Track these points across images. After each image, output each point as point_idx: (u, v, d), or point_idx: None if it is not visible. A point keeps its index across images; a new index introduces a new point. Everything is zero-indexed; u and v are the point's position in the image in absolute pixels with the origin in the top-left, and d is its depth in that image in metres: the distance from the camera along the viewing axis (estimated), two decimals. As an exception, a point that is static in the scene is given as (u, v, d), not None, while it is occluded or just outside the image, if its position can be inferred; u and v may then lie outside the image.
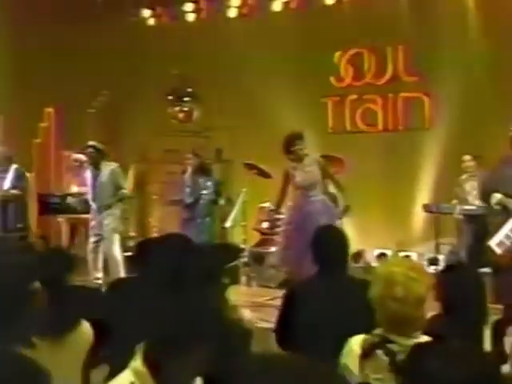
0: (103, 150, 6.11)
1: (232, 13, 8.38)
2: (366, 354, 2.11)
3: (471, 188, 6.38)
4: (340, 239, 3.07)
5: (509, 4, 6.99)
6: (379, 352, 2.08)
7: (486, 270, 4.80)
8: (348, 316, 2.61)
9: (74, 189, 6.75)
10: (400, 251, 6.90)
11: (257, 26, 8.21)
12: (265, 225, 6.71)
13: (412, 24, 7.30)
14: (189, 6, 8.52)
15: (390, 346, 2.07)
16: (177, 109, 8.58)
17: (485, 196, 5.01)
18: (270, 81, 7.94)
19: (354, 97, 7.93)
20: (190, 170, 6.86)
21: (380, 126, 7.87)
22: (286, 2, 8.02)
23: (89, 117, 9.20)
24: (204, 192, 6.52)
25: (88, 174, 6.07)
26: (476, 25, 7.13)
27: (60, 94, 8.38)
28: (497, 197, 4.77)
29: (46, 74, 8.30)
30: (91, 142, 6.21)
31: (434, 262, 6.56)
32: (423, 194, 7.37)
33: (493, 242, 4.73)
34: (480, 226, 5.90)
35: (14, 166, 6.52)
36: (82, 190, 6.48)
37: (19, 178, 6.46)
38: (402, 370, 1.88)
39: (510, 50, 6.80)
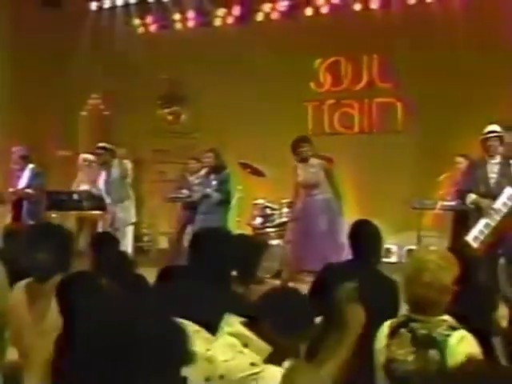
0: (113, 150, 6.59)
1: (217, 22, 8.87)
2: (393, 332, 2.26)
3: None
4: (377, 234, 3.29)
5: (474, 16, 7.59)
6: (403, 330, 2.23)
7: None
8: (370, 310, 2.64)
9: (84, 187, 7.06)
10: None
11: (241, 35, 8.67)
12: (258, 220, 6.93)
13: (386, 35, 7.85)
14: (177, 16, 8.98)
15: (412, 324, 2.23)
16: (166, 111, 9.05)
17: (461, 196, 5.57)
18: (254, 86, 8.42)
19: (333, 101, 8.49)
20: (206, 168, 6.92)
21: (356, 129, 8.44)
22: (268, 13, 8.53)
23: (81, 119, 9.67)
24: (208, 190, 6.65)
25: (101, 173, 6.54)
26: (444, 36, 7.69)
27: (54, 97, 8.81)
28: (471, 197, 5.31)
29: (42, 79, 8.71)
30: (101, 144, 6.70)
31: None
32: (397, 190, 7.93)
33: (469, 237, 5.25)
34: (460, 220, 6.45)
35: (30, 166, 6.89)
36: (91, 188, 6.88)
37: (35, 177, 6.83)
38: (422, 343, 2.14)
39: (475, 60, 7.40)
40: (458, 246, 5.76)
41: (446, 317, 2.23)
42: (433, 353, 2.15)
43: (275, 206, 6.49)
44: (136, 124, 8.92)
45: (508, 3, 7.55)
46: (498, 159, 5.43)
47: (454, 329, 2.19)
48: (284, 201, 6.62)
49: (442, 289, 2.21)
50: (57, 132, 9.23)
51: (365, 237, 3.26)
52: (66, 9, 8.91)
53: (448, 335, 2.17)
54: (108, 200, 6.45)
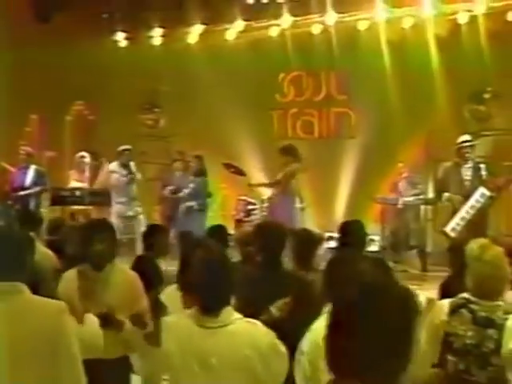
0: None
1: (192, 39, 9.81)
2: (453, 311, 2.48)
3: (407, 185, 7.75)
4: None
5: (416, 38, 8.79)
6: (463, 310, 2.46)
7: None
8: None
9: (77, 184, 7.68)
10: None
11: (214, 50, 9.63)
12: (241, 214, 7.66)
13: (341, 54, 8.99)
14: (156, 32, 9.90)
15: (472, 306, 2.45)
16: (146, 117, 9.98)
17: (437, 194, 6.41)
18: (225, 95, 9.32)
19: (295, 110, 9.58)
20: (192, 170, 7.75)
21: (316, 134, 9.55)
22: (238, 31, 9.53)
23: (66, 123, 10.48)
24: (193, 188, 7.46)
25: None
26: (391, 56, 8.87)
27: (43, 104, 9.61)
28: (446, 195, 6.18)
29: (31, 87, 9.51)
30: (125, 146, 7.51)
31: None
32: (351, 188, 9.07)
33: (448, 228, 5.92)
34: (413, 213, 7.45)
35: (33, 166, 7.53)
36: (84, 185, 7.59)
37: (40, 176, 7.48)
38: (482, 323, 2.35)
39: (416, 76, 8.62)
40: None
41: (501, 302, 2.45)
42: (491, 332, 2.40)
43: (257, 202, 7.38)
44: (118, 128, 9.66)
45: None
46: (470, 164, 6.24)
47: (508, 313, 2.42)
48: (264, 197, 7.52)
49: (502, 273, 2.44)
50: (44, 135, 10.03)
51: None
52: (55, 24, 9.73)
53: (506, 318, 2.40)
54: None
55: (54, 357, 2.08)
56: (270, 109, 9.64)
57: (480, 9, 8.38)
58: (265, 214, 7.19)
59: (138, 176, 7.45)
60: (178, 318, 2.29)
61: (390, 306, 1.24)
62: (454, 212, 5.94)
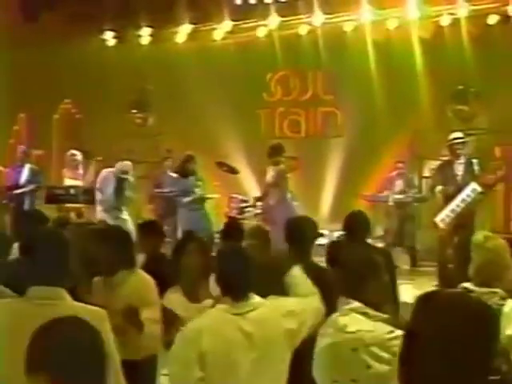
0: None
1: (180, 39, 9.91)
2: None
3: (399, 184, 7.93)
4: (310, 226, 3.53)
5: (401, 40, 9.01)
6: None
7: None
8: None
9: (69, 182, 7.71)
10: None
11: (202, 50, 9.75)
12: (234, 212, 7.74)
13: (328, 54, 9.18)
14: (145, 31, 9.98)
15: (470, 294, 2.43)
16: (135, 115, 10.06)
17: (431, 188, 6.61)
18: (213, 95, 9.44)
19: (282, 110, 9.76)
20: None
21: (303, 133, 9.75)
22: (226, 32, 9.66)
23: (54, 122, 10.52)
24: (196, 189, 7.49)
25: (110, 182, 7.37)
26: (377, 57, 9.08)
27: (31, 102, 9.66)
28: (438, 188, 6.33)
29: (19, 85, 9.55)
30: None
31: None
32: (337, 185, 9.27)
33: (438, 219, 6.11)
34: (405, 211, 7.65)
35: (28, 165, 7.58)
36: (77, 183, 7.61)
37: (35, 175, 7.53)
38: None
39: (400, 77, 8.85)
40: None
41: (498, 289, 2.54)
42: None
43: (249, 200, 7.53)
44: (107, 126, 9.75)
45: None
46: (462, 160, 6.44)
47: (504, 299, 2.50)
48: (257, 195, 7.62)
49: (502, 260, 2.56)
50: (32, 133, 10.08)
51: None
52: (43, 23, 9.77)
53: (502, 304, 2.48)
54: None
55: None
56: (257, 108, 9.79)
57: (462, 12, 8.63)
58: (258, 211, 7.32)
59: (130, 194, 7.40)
60: (209, 316, 2.39)
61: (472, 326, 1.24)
62: (446, 204, 6.16)
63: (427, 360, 1.21)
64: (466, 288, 2.64)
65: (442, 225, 6.02)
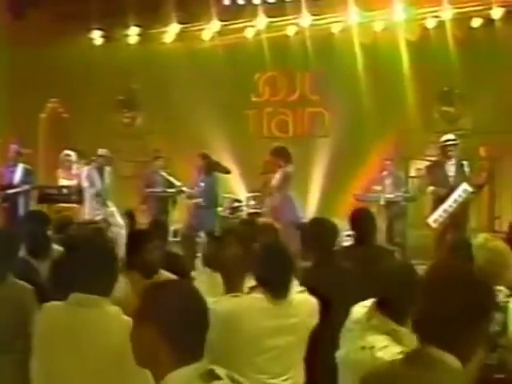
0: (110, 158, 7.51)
1: (168, 39, 9.95)
2: None
3: (389, 183, 8.02)
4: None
5: (388, 41, 9.17)
6: None
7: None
8: None
9: (63, 182, 7.71)
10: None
11: (190, 50, 9.80)
12: (227, 211, 7.84)
13: (316, 55, 9.30)
14: (133, 30, 9.99)
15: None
16: (122, 115, 10.07)
17: (422, 188, 6.77)
18: (201, 95, 9.53)
19: (270, 110, 9.87)
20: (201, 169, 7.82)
21: (291, 133, 9.86)
22: (214, 32, 9.72)
23: (41, 121, 10.48)
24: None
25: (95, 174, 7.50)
26: (363, 57, 9.18)
27: (17, 101, 9.61)
28: (430, 188, 6.54)
29: (5, 84, 9.50)
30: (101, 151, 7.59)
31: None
32: (325, 185, 9.39)
33: (431, 219, 6.31)
34: (395, 209, 7.78)
35: (21, 165, 7.55)
36: (71, 183, 7.61)
37: (28, 174, 7.51)
38: None
39: (385, 78, 9.01)
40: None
41: (502, 287, 2.67)
42: (497, 315, 2.56)
43: (242, 200, 7.62)
44: (94, 126, 9.76)
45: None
46: (453, 161, 6.66)
47: (508, 296, 2.63)
48: (249, 195, 7.74)
49: (503, 259, 2.71)
50: (19, 132, 10.01)
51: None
52: (29, 21, 9.73)
53: (507, 301, 2.62)
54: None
55: (121, 372, 2.03)
56: (245, 108, 9.88)
57: (447, 15, 8.82)
58: (251, 211, 7.43)
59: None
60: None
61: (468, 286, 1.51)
62: (437, 204, 6.32)
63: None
64: None
65: (434, 225, 6.19)
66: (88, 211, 7.19)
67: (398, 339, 2.12)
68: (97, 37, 10.11)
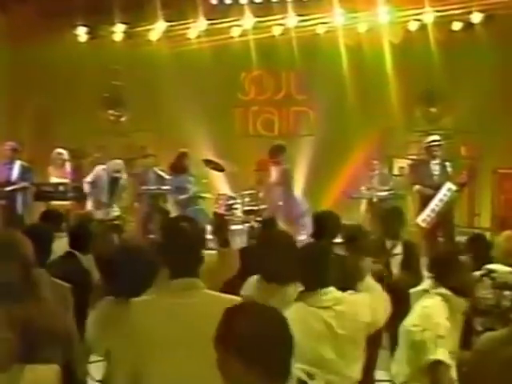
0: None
1: (155, 36, 10.02)
2: (478, 280, 3.15)
3: (378, 181, 8.24)
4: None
5: (371, 43, 9.43)
6: (485, 278, 3.13)
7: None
8: None
9: (55, 180, 7.71)
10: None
11: (176, 48, 9.87)
12: (223, 208, 7.81)
13: (301, 55, 9.51)
14: (119, 28, 10.01)
15: (493, 274, 3.12)
16: (108, 112, 10.10)
17: (408, 186, 7.02)
18: (187, 93, 9.62)
19: (256, 108, 10.06)
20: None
21: (276, 132, 10.07)
22: (201, 31, 9.83)
23: (25, 117, 10.40)
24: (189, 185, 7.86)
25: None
26: (348, 58, 9.43)
27: (1, 98, 9.55)
28: (416, 187, 6.83)
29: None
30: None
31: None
32: (310, 183, 9.63)
33: (419, 219, 6.61)
34: (384, 207, 7.94)
35: (18, 162, 7.53)
36: (63, 180, 7.61)
37: (25, 172, 7.49)
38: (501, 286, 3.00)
39: (371, 77, 9.29)
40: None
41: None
42: (507, 293, 3.03)
43: (238, 197, 7.78)
44: (80, 123, 9.74)
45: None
46: (438, 161, 6.96)
47: None
48: (246, 192, 7.96)
49: None
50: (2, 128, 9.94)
51: None
52: (13, 16, 9.67)
53: None
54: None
55: None
56: (231, 106, 10.05)
57: (429, 18, 9.15)
58: (247, 208, 7.59)
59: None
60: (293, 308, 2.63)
61: None
62: (423, 202, 6.61)
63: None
64: (488, 269, 3.18)
65: (424, 224, 6.47)
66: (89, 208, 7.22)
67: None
68: (82, 33, 10.09)
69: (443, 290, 2.80)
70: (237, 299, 2.19)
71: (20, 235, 2.31)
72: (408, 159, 9.02)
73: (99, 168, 7.53)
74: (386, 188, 7.98)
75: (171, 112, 9.76)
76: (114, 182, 7.39)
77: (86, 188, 7.38)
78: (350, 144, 9.47)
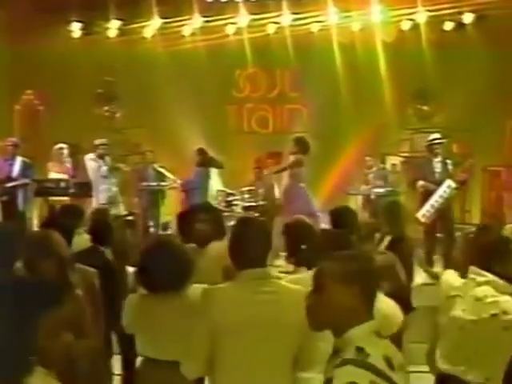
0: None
1: (149, 33, 10.07)
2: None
3: (377, 178, 8.46)
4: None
5: (365, 41, 9.60)
6: None
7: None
8: None
9: (55, 176, 7.73)
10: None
11: (171, 45, 9.95)
12: (223, 205, 7.92)
13: (295, 53, 9.65)
14: (113, 24, 10.04)
15: None
16: (103, 109, 10.15)
17: (411, 183, 7.20)
18: (182, 90, 9.68)
19: (251, 105, 10.18)
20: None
21: (270, 129, 10.22)
22: (196, 28, 9.91)
23: (15, 112, 10.41)
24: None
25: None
26: (341, 56, 9.63)
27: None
28: (420, 183, 6.98)
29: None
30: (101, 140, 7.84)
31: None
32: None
33: (419, 214, 6.73)
34: (381, 204, 8.08)
35: (19, 158, 7.53)
36: (64, 176, 7.65)
37: (27, 168, 7.50)
38: None
39: (366, 76, 9.46)
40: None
41: None
42: None
43: (237, 193, 7.93)
44: (74, 119, 9.74)
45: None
46: (439, 158, 7.07)
47: None
48: (245, 189, 8.08)
49: None
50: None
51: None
52: (6, 11, 9.66)
53: None
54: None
55: (303, 340, 2.28)
56: (226, 103, 10.17)
57: (421, 18, 9.35)
58: (246, 204, 7.71)
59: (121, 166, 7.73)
60: None
61: None
62: (425, 199, 6.80)
63: None
64: None
65: (423, 219, 6.66)
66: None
67: None
68: (76, 29, 10.10)
69: (491, 277, 2.66)
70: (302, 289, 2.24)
71: (56, 234, 2.41)
72: (400, 156, 9.23)
73: (89, 163, 7.65)
74: (386, 185, 8.15)
75: (166, 109, 9.83)
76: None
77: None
78: (342, 141, 9.65)
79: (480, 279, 2.66)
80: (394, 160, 9.35)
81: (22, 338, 1.67)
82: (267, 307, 2.26)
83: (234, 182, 8.84)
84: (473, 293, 2.65)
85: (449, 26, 9.42)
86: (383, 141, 9.49)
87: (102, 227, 3.54)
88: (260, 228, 2.41)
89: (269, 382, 2.27)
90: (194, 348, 2.28)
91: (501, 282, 2.65)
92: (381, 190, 8.14)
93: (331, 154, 9.59)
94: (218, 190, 8.06)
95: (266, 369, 2.25)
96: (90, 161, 7.81)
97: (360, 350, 1.70)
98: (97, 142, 7.97)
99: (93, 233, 3.49)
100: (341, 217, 3.93)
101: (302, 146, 7.33)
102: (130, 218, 7.00)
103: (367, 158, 8.63)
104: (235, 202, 7.76)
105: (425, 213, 6.66)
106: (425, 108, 9.59)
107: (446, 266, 6.40)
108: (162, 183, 8.20)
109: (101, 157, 7.81)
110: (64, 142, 8.41)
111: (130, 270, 3.41)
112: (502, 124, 9.22)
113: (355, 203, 8.69)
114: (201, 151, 8.33)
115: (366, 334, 1.74)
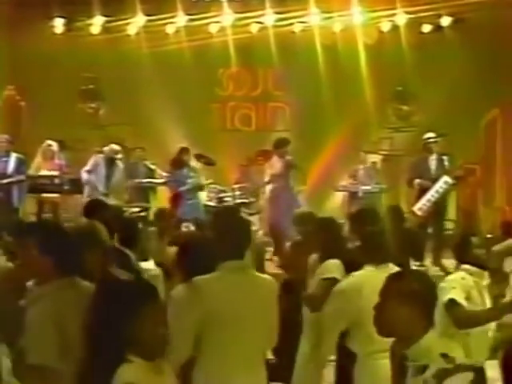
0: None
1: (133, 30, 10.14)
2: None
3: (365, 176, 8.69)
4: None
5: (346, 42, 9.84)
6: None
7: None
8: None
9: (44, 173, 7.73)
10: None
11: (154, 43, 10.03)
12: (214, 201, 8.13)
13: (278, 52, 9.84)
14: (96, 20, 10.07)
15: None
16: (86, 105, 10.20)
17: (409, 181, 7.45)
18: (166, 88, 9.84)
19: (234, 104, 10.38)
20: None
21: (253, 127, 10.43)
22: (180, 26, 10.04)
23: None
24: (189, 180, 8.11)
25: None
26: (323, 56, 9.79)
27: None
28: (417, 181, 7.23)
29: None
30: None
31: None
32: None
33: (416, 208, 7.04)
34: (371, 200, 8.33)
35: (14, 154, 7.57)
36: (53, 173, 7.68)
37: (22, 164, 7.54)
38: None
39: (347, 76, 9.74)
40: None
41: None
42: None
43: (228, 190, 8.11)
44: (57, 115, 9.77)
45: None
46: (435, 156, 7.37)
47: None
48: (236, 186, 8.26)
49: None
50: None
51: None
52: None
53: None
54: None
55: (270, 322, 2.67)
56: (209, 102, 10.33)
57: (400, 20, 9.68)
58: (238, 201, 7.89)
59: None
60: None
61: None
62: (421, 195, 7.10)
63: None
64: None
65: (419, 213, 6.94)
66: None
67: None
68: (58, 25, 10.11)
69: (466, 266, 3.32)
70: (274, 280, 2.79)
71: (99, 224, 2.59)
72: (380, 154, 9.54)
73: (97, 156, 7.70)
74: (373, 182, 8.43)
75: (149, 106, 9.96)
76: (111, 165, 7.52)
77: (85, 176, 7.53)
78: (324, 139, 9.92)
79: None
80: (374, 158, 9.64)
81: (121, 332, 1.86)
82: (250, 296, 2.56)
83: (217, 179, 9.03)
84: None
85: (427, 28, 9.78)
86: (363, 139, 9.79)
87: (130, 232, 3.62)
88: (241, 220, 2.72)
89: (253, 365, 2.55)
90: (180, 336, 2.42)
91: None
92: (368, 187, 8.42)
93: (312, 152, 9.85)
94: (210, 187, 8.21)
95: (252, 354, 2.55)
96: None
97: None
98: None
99: (120, 237, 3.50)
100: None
101: (288, 146, 7.52)
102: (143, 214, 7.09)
103: (361, 153, 8.87)
104: (227, 199, 7.94)
105: (421, 206, 6.94)
106: (404, 108, 9.94)
107: (436, 262, 6.74)
108: (154, 180, 8.32)
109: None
110: (48, 139, 8.47)
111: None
112: (476, 123, 9.62)
113: (333, 200, 8.98)
114: (184, 150, 8.40)
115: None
